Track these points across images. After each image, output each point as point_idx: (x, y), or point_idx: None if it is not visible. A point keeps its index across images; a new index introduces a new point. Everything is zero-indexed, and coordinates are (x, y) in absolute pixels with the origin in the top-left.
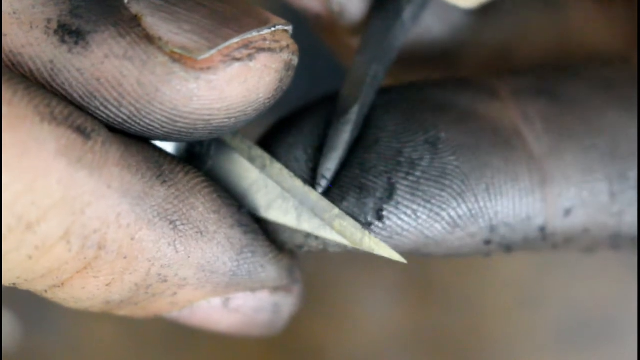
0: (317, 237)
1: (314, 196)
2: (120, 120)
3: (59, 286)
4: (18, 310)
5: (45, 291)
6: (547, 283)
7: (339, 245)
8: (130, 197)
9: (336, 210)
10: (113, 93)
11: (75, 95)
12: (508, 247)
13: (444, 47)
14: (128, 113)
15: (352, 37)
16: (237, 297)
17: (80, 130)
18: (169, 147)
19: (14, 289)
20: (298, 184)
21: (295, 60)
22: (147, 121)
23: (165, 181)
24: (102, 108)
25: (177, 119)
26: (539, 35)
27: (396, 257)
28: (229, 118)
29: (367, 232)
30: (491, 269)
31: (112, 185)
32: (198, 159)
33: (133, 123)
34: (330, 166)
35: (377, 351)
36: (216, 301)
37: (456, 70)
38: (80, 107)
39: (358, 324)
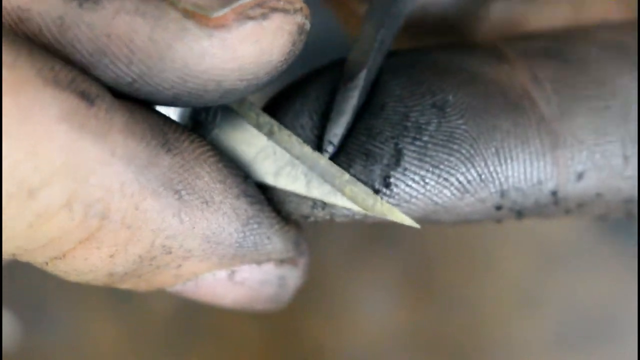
0: (323, 207)
1: (323, 162)
2: (129, 79)
3: (60, 258)
4: (18, 310)
5: (46, 263)
6: (547, 283)
7: (346, 214)
8: (135, 165)
9: (347, 176)
10: (123, 49)
11: (84, 52)
12: (519, 213)
13: (453, 15)
14: (138, 71)
15: (359, 4)
16: (243, 269)
17: (84, 95)
18: (173, 115)
19: (14, 289)
20: (307, 150)
21: (308, 25)
22: (157, 80)
23: (170, 150)
24: (111, 66)
25: (188, 78)
26: (550, 7)
27: (408, 222)
28: (241, 80)
29: (378, 198)
30: (491, 269)
31: (116, 153)
32: (203, 126)
33: (142, 82)
34: (337, 131)
35: (377, 351)
36: (221, 274)
37: (464, 38)
38: (88, 67)
39: (358, 324)
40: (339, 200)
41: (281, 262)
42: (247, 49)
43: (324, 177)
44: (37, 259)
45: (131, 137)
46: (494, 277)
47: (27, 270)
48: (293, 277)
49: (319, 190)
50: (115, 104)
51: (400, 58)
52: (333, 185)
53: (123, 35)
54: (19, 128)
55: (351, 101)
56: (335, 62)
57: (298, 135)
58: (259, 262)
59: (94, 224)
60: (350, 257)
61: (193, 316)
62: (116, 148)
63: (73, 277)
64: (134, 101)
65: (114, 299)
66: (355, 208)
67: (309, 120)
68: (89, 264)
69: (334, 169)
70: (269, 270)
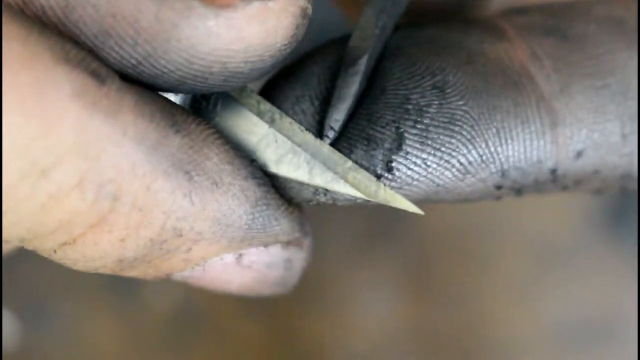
0: (325, 192)
1: (325, 150)
2: (134, 61)
3: (70, 243)
4: (18, 310)
5: (55, 250)
6: (547, 283)
7: (348, 199)
8: (145, 145)
9: (349, 163)
10: (129, 30)
11: (89, 33)
12: (519, 191)
13: (454, 0)
14: (143, 52)
15: None
16: (250, 252)
17: (95, 74)
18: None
19: (14, 289)
20: (309, 137)
21: (310, 10)
22: (163, 62)
23: (178, 130)
24: (116, 48)
25: (194, 59)
26: None
27: (412, 208)
28: (246, 62)
29: (381, 184)
30: (491, 269)
31: (127, 133)
32: (203, 115)
33: (147, 65)
34: (338, 117)
35: (377, 351)
36: (229, 257)
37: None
38: (92, 49)
39: (358, 324)
40: (342, 188)
41: (287, 244)
42: (253, 29)
43: (327, 165)
44: (46, 245)
45: (141, 117)
46: (493, 276)
47: (27, 270)
48: (299, 259)
49: (321, 178)
50: (124, 84)
51: (399, 38)
52: (335, 172)
53: (128, 15)
54: (32, 105)
55: (352, 87)
56: (335, 42)
57: (299, 121)
58: (266, 244)
59: (105, 205)
60: (350, 256)
61: (193, 316)
62: (127, 127)
63: (81, 265)
64: (140, 84)
65: (115, 299)
66: (359, 195)
67: (310, 105)
68: (99, 249)
69: (337, 156)
70: (276, 253)
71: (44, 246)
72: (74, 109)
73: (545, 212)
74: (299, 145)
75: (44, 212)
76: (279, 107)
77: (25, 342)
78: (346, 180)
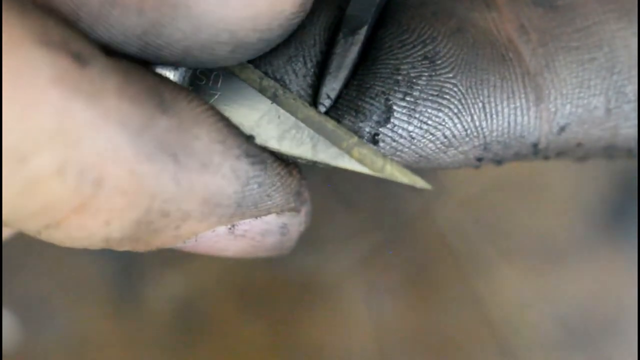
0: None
1: (330, 125)
2: (139, 31)
3: (54, 226)
4: (18, 310)
5: (40, 232)
6: (547, 283)
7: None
8: (129, 129)
9: (355, 138)
10: None
11: (94, 3)
12: (499, 162)
13: None
14: (149, 21)
15: None
16: (243, 222)
17: (77, 56)
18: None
19: (14, 289)
20: (313, 113)
21: None
22: (170, 31)
23: (165, 110)
24: (121, 17)
25: (202, 27)
26: None
27: (420, 183)
28: (255, 31)
29: (388, 160)
30: (492, 269)
31: (109, 116)
32: (203, 92)
33: (153, 34)
34: (335, 86)
35: (377, 351)
36: (221, 228)
37: None
38: (97, 19)
39: (358, 324)
40: (347, 163)
41: (282, 210)
42: None
43: (331, 140)
44: (30, 227)
45: (125, 99)
46: (493, 277)
47: (27, 270)
48: (295, 224)
49: (325, 154)
50: (109, 65)
51: (391, 3)
52: (340, 147)
53: None
54: (9, 91)
55: (351, 56)
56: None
57: (290, 80)
58: (258, 217)
59: (87, 190)
60: (350, 257)
61: (193, 316)
62: (110, 111)
63: (68, 244)
64: (130, 61)
65: (115, 299)
66: (365, 171)
67: (303, 66)
68: (84, 231)
69: (342, 131)
70: (270, 221)
71: (28, 228)
72: (54, 94)
73: (545, 212)
74: (303, 121)
75: (23, 196)
76: (270, 64)
77: (25, 342)
78: (351, 156)
